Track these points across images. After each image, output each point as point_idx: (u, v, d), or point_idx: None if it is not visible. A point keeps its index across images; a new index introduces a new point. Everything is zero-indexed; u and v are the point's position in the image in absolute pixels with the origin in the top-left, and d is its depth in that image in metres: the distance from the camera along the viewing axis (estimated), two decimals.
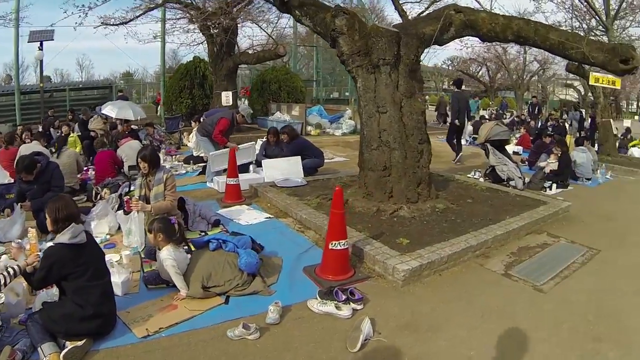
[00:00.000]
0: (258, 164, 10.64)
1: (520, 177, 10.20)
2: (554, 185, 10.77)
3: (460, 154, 13.96)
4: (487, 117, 24.95)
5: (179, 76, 22.25)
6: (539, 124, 22.27)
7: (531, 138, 17.97)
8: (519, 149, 16.94)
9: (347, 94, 34.24)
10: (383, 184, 7.43)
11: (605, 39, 15.65)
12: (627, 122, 31.55)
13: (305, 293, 4.86)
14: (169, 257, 4.77)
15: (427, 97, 58.41)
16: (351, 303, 4.60)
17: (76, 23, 11.93)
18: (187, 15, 18.26)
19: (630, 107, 65.56)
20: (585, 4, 16.45)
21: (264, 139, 11.91)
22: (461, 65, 50.81)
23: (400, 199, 7.37)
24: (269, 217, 7.59)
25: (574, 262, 6.33)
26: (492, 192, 9.20)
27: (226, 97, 18.95)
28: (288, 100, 22.46)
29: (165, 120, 19.95)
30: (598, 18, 16.21)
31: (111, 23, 15.19)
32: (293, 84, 23.78)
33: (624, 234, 7.82)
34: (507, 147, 16.61)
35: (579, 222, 8.32)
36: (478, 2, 10.19)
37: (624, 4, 16.30)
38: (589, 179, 12.20)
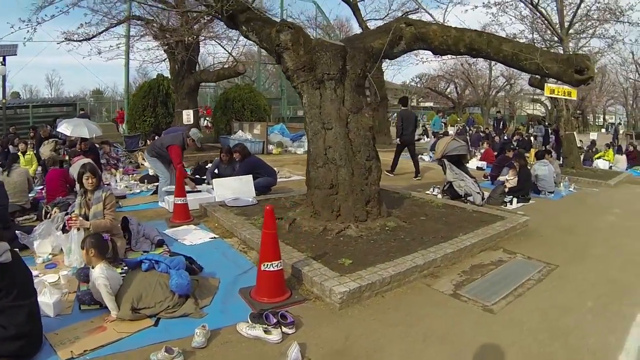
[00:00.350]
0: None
1: (478, 193, 9.85)
2: (515, 200, 10.45)
3: (419, 169, 14.07)
4: (453, 133, 24.85)
5: (142, 94, 22.05)
6: (504, 138, 22.14)
7: (495, 153, 17.77)
8: (483, 164, 16.71)
9: None
10: (330, 202, 7.16)
11: (561, 50, 15.64)
12: (593, 135, 31.86)
13: (238, 316, 4.56)
14: (101, 275, 4.50)
15: (394, 114, 59.04)
16: (282, 327, 4.32)
17: (25, 38, 11.44)
18: (150, 32, 18.10)
19: (597, 120, 66.61)
20: (539, 15, 16.46)
21: (217, 158, 11.65)
22: (430, 82, 51.11)
23: (348, 218, 7.08)
24: (214, 237, 7.30)
25: (529, 280, 5.93)
26: (448, 208, 8.91)
27: (187, 116, 18.77)
28: (251, 119, 22.19)
29: (124, 139, 19.48)
30: (552, 29, 16.19)
31: (74, 39, 14.75)
32: (257, 102, 23.63)
33: (584, 247, 7.50)
34: (470, 162, 16.72)
35: (538, 236, 7.99)
36: (431, 16, 9.94)
37: (577, 16, 16.35)
38: (551, 192, 11.92)
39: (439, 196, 10.44)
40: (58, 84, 73.11)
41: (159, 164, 9.89)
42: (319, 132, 7.13)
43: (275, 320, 4.33)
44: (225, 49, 19.51)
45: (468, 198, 9.85)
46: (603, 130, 56.56)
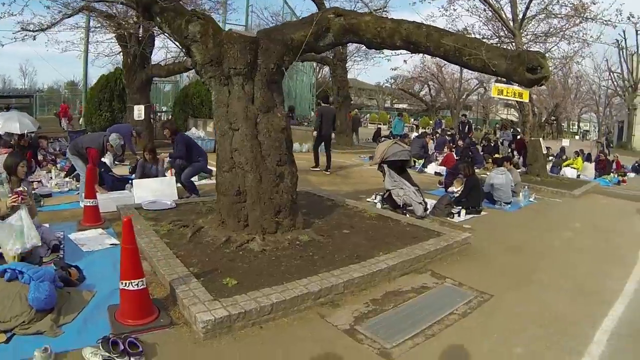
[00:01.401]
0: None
1: (420, 203, 8.84)
2: (463, 212, 9.44)
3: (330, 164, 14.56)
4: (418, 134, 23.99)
5: (99, 87, 21.06)
6: (468, 142, 21.23)
7: (457, 158, 16.82)
8: (442, 169, 15.63)
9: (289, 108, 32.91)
10: (237, 210, 6.51)
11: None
12: (565, 142, 31.21)
13: (95, 338, 3.93)
14: None
15: (367, 115, 58.75)
16: (130, 357, 3.74)
17: None
18: (104, 23, 17.09)
19: (571, 127, 66.54)
20: (488, 6, 15.36)
21: (139, 159, 10.79)
22: (404, 83, 50.47)
23: (255, 229, 6.40)
24: (114, 244, 6.59)
25: (452, 313, 4.86)
26: (381, 220, 8.00)
27: (138, 111, 17.84)
28: (210, 117, 20.19)
29: (69, 134, 18.22)
30: (502, 22, 14.95)
31: (30, 29, 13.63)
32: None
33: (530, 271, 6.47)
34: (429, 166, 15.76)
35: (478, 256, 6.96)
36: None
37: (531, 10, 15.21)
38: (508, 203, 10.92)
39: (378, 205, 9.44)
40: (32, 74, 71.17)
41: (80, 163, 9.37)
42: (226, 133, 6.51)
43: (122, 348, 3.76)
44: (175, 42, 18.09)
45: (408, 208, 8.85)
46: (577, 137, 56.47)
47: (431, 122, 41.95)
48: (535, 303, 5.31)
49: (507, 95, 8.69)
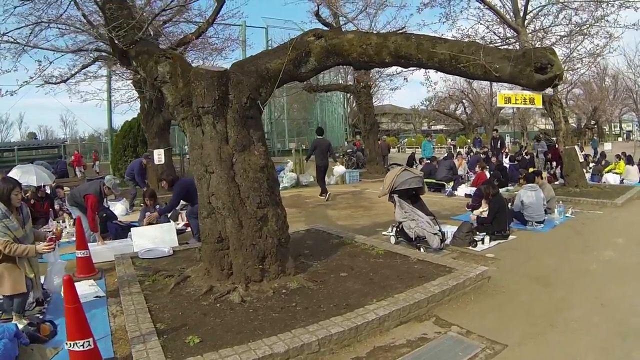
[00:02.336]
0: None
1: (435, 234, 7.95)
2: (487, 238, 8.49)
3: (328, 193, 15.32)
4: (463, 154, 23.20)
5: (123, 134, 21.38)
6: (503, 159, 20.09)
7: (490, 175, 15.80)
8: (474, 190, 14.59)
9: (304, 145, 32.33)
10: (220, 258, 6.11)
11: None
12: (607, 145, 29.69)
13: None
14: None
15: (404, 140, 57.68)
16: None
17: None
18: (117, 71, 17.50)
19: (613, 129, 64.17)
20: (482, 3, 14.17)
21: (143, 206, 11.05)
22: (440, 104, 49.64)
23: (238, 278, 5.97)
24: (98, 297, 6.42)
25: None
26: (388, 258, 7.19)
27: (158, 155, 17.37)
28: None
29: (86, 182, 18.01)
30: (501, 17, 13.71)
31: (52, 82, 13.61)
32: None
33: (556, 308, 5.48)
34: (459, 188, 14.74)
35: (497, 293, 6.01)
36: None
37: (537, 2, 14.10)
38: (540, 223, 9.88)
39: (392, 239, 8.59)
40: (72, 123, 73.84)
41: (78, 213, 9.20)
42: (203, 177, 6.13)
43: None
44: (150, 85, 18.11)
45: (422, 241, 8.00)
46: (620, 139, 54.22)
47: (469, 140, 40.80)
48: (560, 355, 4.34)
49: (516, 103, 7.67)
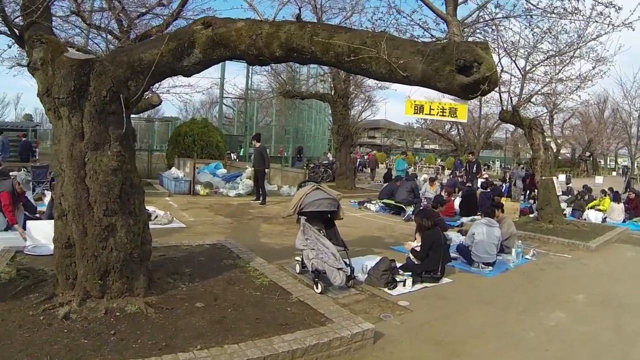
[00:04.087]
0: None
1: (340, 269, 6.46)
2: (409, 280, 6.91)
3: (262, 199, 15.59)
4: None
5: None
6: (477, 185, 18.54)
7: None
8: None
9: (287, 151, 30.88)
10: (66, 266, 5.47)
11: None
12: (598, 179, 28.34)
13: None
14: None
15: (393, 156, 56.53)
16: None
17: None
18: None
19: (608, 163, 62.88)
20: None
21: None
22: (435, 123, 48.47)
23: (78, 290, 5.31)
24: None
25: None
26: (267, 292, 6.04)
27: None
28: (202, 156, 20.78)
29: (32, 169, 16.97)
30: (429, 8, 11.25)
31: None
32: (209, 138, 21.92)
33: None
34: None
35: None
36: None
37: None
38: (489, 265, 8.28)
39: (297, 268, 7.25)
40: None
41: None
42: (59, 175, 5.52)
43: None
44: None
45: (320, 277, 6.57)
46: (614, 173, 52.80)
47: (438, 160, 39.54)
48: None
49: (430, 114, 6.09)
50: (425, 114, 6.18)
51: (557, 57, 13.95)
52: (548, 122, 49.28)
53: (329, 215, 7.34)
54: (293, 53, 5.18)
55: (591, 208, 16.59)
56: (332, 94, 21.48)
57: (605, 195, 17.40)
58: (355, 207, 15.84)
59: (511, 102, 14.21)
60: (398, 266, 7.35)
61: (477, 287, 7.37)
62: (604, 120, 47.51)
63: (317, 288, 6.42)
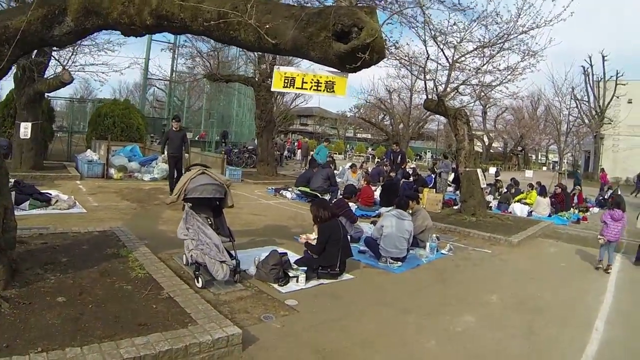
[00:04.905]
0: None
1: (222, 262, 5.73)
2: (302, 277, 6.17)
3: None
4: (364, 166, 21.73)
5: (5, 102, 19.11)
6: (401, 175, 17.99)
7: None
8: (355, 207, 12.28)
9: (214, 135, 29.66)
10: None
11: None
12: (528, 173, 28.41)
13: None
14: None
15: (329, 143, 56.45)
16: None
17: None
18: None
19: (540, 158, 64.41)
20: None
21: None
22: (369, 112, 48.10)
23: None
24: None
25: None
26: (140, 285, 5.41)
27: (24, 129, 15.83)
28: (121, 138, 19.99)
29: None
30: None
31: None
32: (130, 120, 20.90)
33: None
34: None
35: None
36: None
37: None
38: (398, 260, 7.59)
39: (184, 259, 6.49)
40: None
41: None
42: None
43: None
44: (54, 57, 16.09)
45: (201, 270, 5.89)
46: (544, 168, 53.84)
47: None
48: None
49: (303, 88, 5.23)
50: (297, 88, 5.33)
51: (486, 49, 13.39)
52: (481, 116, 50.25)
53: (217, 203, 6.56)
54: (164, 21, 4.73)
55: (518, 201, 16.23)
56: (257, 77, 20.81)
57: (531, 189, 17.09)
58: (271, 194, 15.21)
59: (436, 90, 13.59)
60: (294, 260, 6.66)
61: (380, 286, 6.65)
62: (536, 117, 48.29)
63: (197, 282, 5.83)
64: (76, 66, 17.74)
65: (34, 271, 5.42)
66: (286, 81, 5.29)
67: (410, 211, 8.39)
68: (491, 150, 52.71)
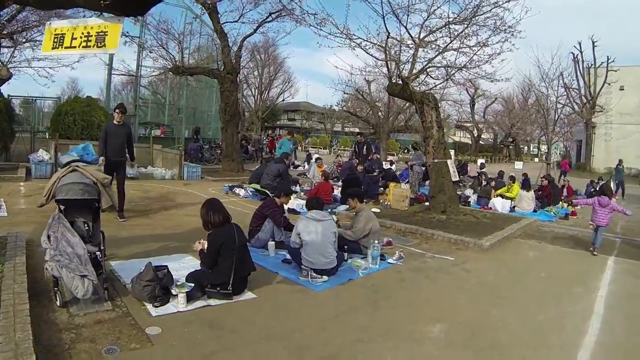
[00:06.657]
0: None
1: (82, 275, 4.72)
2: (182, 296, 4.82)
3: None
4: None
5: None
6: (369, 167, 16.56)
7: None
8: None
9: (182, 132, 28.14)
10: None
11: None
12: (518, 164, 27.15)
13: None
14: None
15: (308, 139, 55.30)
16: None
17: None
18: None
19: (531, 149, 63.23)
20: None
21: None
22: (356, 105, 46.98)
23: None
24: None
25: None
26: None
27: None
28: (82, 137, 18.89)
29: None
30: None
31: None
32: (91, 118, 19.84)
33: None
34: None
35: None
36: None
37: None
38: (323, 273, 6.04)
39: None
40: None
41: None
42: None
43: None
44: None
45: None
46: (536, 159, 52.46)
47: (382, 145, 37.86)
48: None
49: (72, 47, 3.99)
50: (66, 47, 4.13)
51: (455, 25, 11.86)
52: (469, 106, 48.90)
53: (97, 204, 5.60)
54: None
55: (499, 195, 14.64)
56: (222, 69, 19.75)
57: (513, 182, 15.49)
58: (224, 193, 13.82)
59: (400, 73, 12.04)
60: (188, 273, 5.34)
61: (286, 310, 5.11)
62: (527, 107, 46.92)
63: (56, 299, 4.86)
64: (19, 62, 16.91)
65: None
66: (55, 40, 3.97)
67: (353, 210, 6.87)
68: (481, 142, 51.51)
